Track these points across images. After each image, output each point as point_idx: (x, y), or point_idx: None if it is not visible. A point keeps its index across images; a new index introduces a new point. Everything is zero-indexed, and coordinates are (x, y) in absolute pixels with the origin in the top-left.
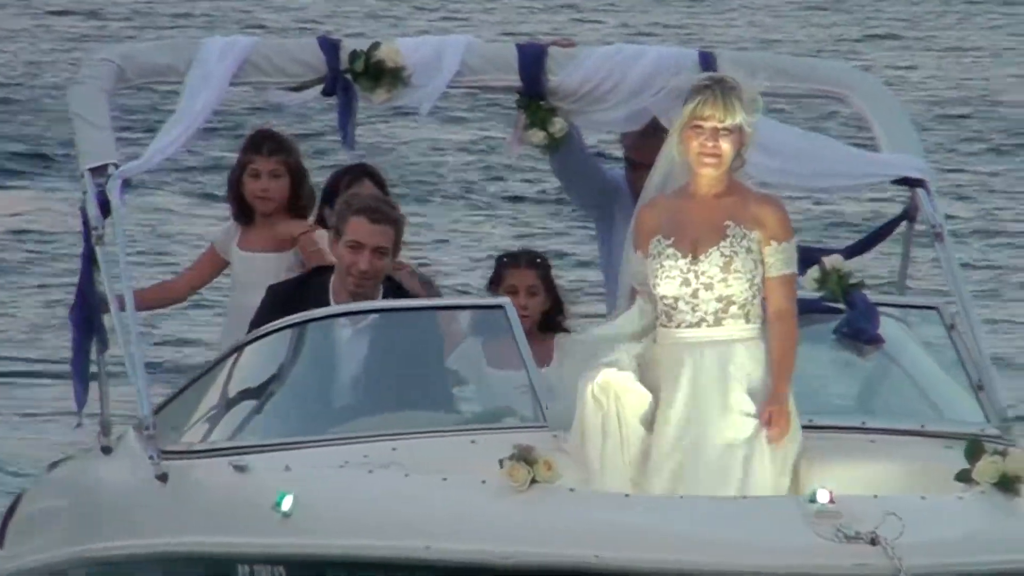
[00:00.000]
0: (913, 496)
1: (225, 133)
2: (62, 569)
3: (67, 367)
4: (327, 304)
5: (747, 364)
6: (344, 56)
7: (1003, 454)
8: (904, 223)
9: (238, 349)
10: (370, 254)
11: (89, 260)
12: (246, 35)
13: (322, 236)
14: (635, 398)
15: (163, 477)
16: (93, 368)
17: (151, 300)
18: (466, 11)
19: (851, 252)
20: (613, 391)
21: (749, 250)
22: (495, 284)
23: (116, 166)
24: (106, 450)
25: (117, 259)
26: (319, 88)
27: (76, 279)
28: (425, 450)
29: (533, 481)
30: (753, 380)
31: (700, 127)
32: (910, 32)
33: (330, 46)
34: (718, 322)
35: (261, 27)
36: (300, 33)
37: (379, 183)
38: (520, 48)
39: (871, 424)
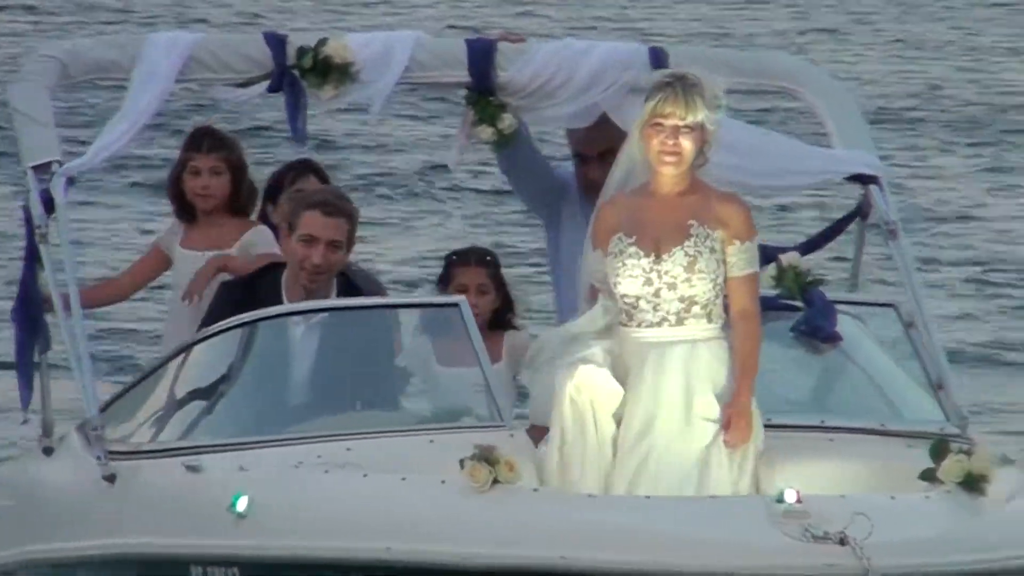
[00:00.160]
0: (881, 496)
1: (167, 128)
2: (8, 571)
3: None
4: (280, 301)
5: (711, 364)
6: (291, 52)
7: (968, 453)
8: (857, 220)
9: (187, 347)
10: (324, 248)
11: (32, 258)
12: (190, 31)
13: (265, 231)
14: (609, 398)
15: (111, 478)
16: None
17: (94, 299)
18: (410, 4)
19: (804, 249)
20: (588, 394)
21: (713, 250)
22: (444, 282)
23: (60, 163)
24: (48, 451)
25: (61, 257)
26: (265, 84)
27: (19, 277)
28: (381, 450)
29: (495, 482)
30: (717, 380)
31: (661, 125)
32: (854, 27)
33: (277, 42)
34: (680, 322)
35: (203, 21)
36: (243, 28)
37: (323, 179)
38: (469, 44)
39: (830, 423)
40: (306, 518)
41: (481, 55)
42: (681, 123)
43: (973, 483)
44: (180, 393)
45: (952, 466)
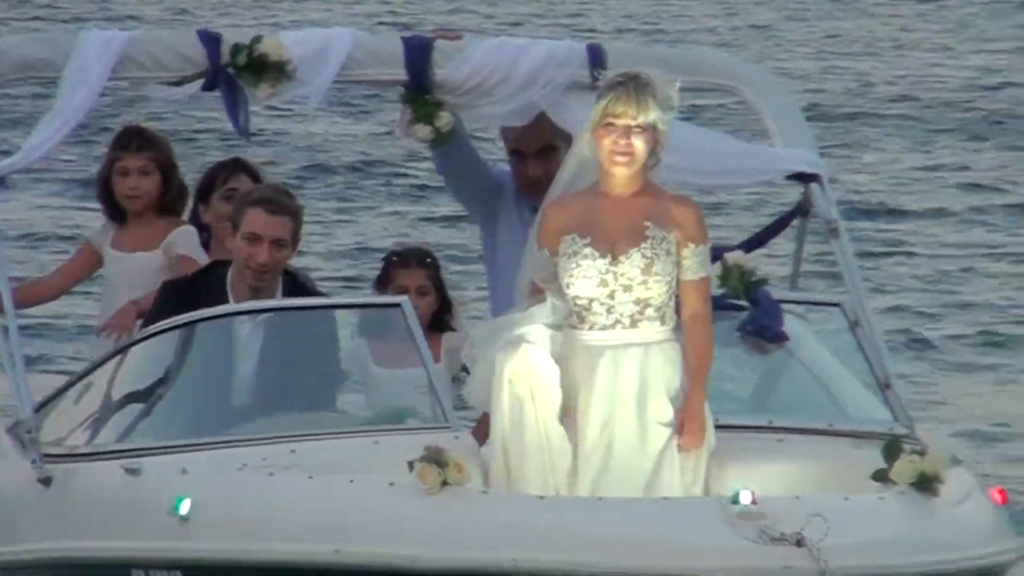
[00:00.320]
0: (836, 496)
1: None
2: None
3: None
4: (225, 299)
5: (664, 367)
6: (225, 50)
7: (921, 453)
8: (799, 217)
9: (125, 348)
10: (269, 246)
11: None
12: (120, 28)
13: (190, 232)
14: (547, 382)
15: (47, 481)
16: None
17: (23, 298)
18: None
19: (747, 247)
20: (526, 379)
21: (668, 252)
22: (383, 283)
23: None
24: None
25: None
26: (200, 83)
27: None
28: (326, 452)
29: (444, 483)
30: (670, 384)
31: (612, 125)
32: (785, 23)
33: (210, 39)
34: (634, 324)
35: (133, 18)
36: (174, 24)
37: (255, 177)
38: (406, 41)
39: (778, 423)
40: (252, 520)
41: (418, 53)
42: (633, 123)
43: (926, 484)
44: (118, 395)
45: (905, 467)
